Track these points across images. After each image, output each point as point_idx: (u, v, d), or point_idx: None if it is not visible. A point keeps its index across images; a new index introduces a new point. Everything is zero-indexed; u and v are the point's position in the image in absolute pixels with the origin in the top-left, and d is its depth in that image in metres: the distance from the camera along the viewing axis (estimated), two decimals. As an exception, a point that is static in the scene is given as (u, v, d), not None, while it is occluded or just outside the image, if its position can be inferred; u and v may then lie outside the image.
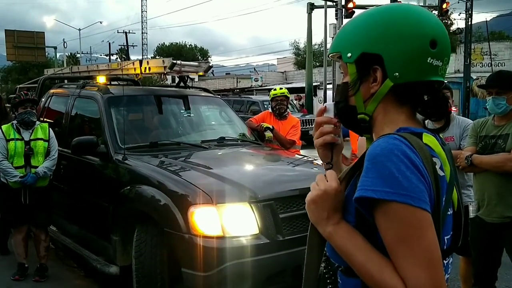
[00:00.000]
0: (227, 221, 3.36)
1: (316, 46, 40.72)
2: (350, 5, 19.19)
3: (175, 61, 5.10)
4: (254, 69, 48.13)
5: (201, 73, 5.30)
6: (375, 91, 1.18)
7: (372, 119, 1.22)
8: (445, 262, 1.15)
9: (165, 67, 5.43)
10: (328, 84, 23.87)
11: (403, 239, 1.02)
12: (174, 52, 65.43)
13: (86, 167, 4.66)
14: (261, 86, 37.94)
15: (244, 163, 4.44)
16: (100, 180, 4.48)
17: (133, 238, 3.84)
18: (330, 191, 1.16)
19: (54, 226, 5.26)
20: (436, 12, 19.10)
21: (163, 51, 67.49)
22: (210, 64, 5.84)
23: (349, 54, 1.20)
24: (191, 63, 5.59)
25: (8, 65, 49.15)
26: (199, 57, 68.15)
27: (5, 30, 37.09)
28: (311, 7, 21.52)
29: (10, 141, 4.48)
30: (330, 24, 21.68)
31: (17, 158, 4.49)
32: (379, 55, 1.15)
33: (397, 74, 1.15)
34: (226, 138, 5.02)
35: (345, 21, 19.76)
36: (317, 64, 37.17)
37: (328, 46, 26.21)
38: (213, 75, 61.32)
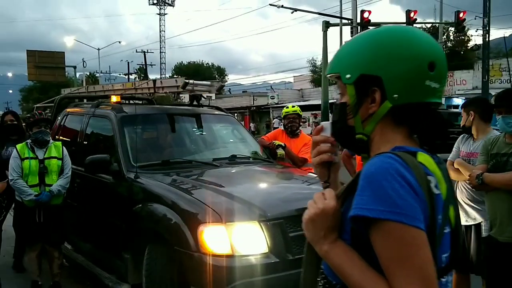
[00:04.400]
0: (236, 240, 3.35)
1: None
2: (366, 14, 19.27)
3: (187, 81, 5.17)
4: (271, 87, 48.38)
5: (212, 93, 5.33)
6: (373, 112, 1.20)
7: (370, 139, 1.23)
8: (443, 280, 1.16)
9: (178, 86, 5.50)
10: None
11: (398, 258, 1.02)
12: (191, 71, 66.18)
13: (99, 185, 4.70)
14: (277, 103, 38.06)
15: (255, 181, 4.44)
16: (112, 198, 4.52)
17: (144, 256, 3.86)
18: (328, 209, 1.16)
19: (68, 243, 5.31)
20: (453, 28, 19.10)
21: (181, 70, 68.30)
22: (222, 84, 5.88)
23: (348, 76, 1.21)
24: (204, 82, 5.65)
25: (29, 84, 50.22)
26: (216, 76, 68.83)
27: (27, 50, 37.96)
28: (327, 25, 21.65)
29: (25, 160, 4.55)
30: (345, 42, 21.71)
31: (31, 177, 4.56)
32: (379, 77, 1.17)
33: (396, 95, 1.16)
34: (237, 156, 5.02)
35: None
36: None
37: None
38: (230, 93, 61.77)
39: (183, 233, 3.48)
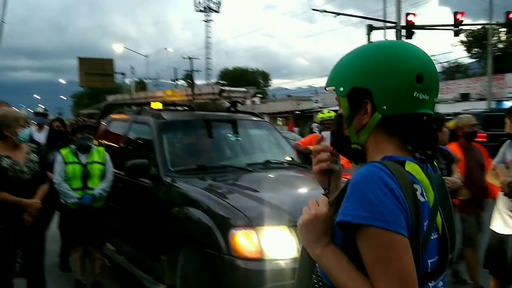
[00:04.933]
0: (266, 244, 3.42)
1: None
2: (410, 17, 18.92)
3: (223, 88, 5.30)
4: (316, 91, 48.15)
5: (247, 99, 5.43)
6: (366, 122, 1.25)
7: (365, 148, 1.29)
8: (430, 285, 1.21)
9: (214, 93, 5.64)
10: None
11: (379, 261, 1.08)
12: (236, 76, 66.80)
13: (138, 189, 4.88)
14: (321, 108, 37.88)
15: (287, 186, 4.50)
16: (150, 201, 4.68)
17: (179, 258, 3.99)
18: (320, 216, 1.24)
19: (111, 245, 5.53)
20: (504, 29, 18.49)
21: (226, 75, 69.05)
22: (257, 90, 5.98)
23: (341, 88, 1.28)
24: (239, 89, 5.77)
25: (80, 90, 52.04)
26: (260, 81, 69.16)
27: (78, 57, 39.36)
28: (370, 28, 21.41)
29: (69, 165, 4.79)
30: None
31: (75, 181, 4.79)
32: (368, 90, 1.22)
33: (384, 107, 1.21)
34: (272, 161, 5.10)
35: (405, 41, 19.50)
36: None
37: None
38: (275, 97, 61.88)
39: (215, 237, 3.58)
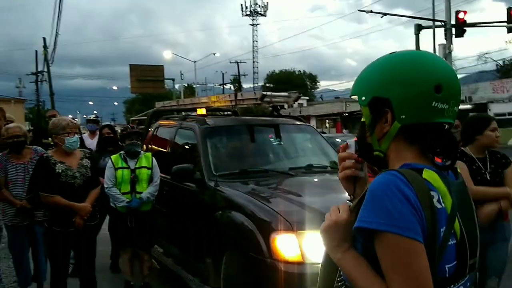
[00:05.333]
0: (307, 248, 3.45)
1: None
2: (461, 15, 18.37)
3: (265, 93, 5.37)
4: (364, 93, 47.30)
5: (289, 103, 5.48)
6: (387, 131, 1.29)
7: (386, 156, 1.32)
8: None
9: (256, 98, 5.71)
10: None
11: (395, 266, 1.12)
12: (283, 79, 66.84)
13: (184, 193, 5.02)
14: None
15: (329, 191, 4.49)
16: (195, 205, 4.80)
17: (222, 260, 4.08)
18: (340, 222, 1.29)
19: (159, 247, 5.70)
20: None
21: (273, 78, 69.25)
22: (299, 94, 6.01)
23: (363, 98, 1.32)
24: (281, 93, 5.83)
25: (132, 96, 53.51)
26: (308, 83, 68.94)
27: (130, 64, 40.53)
28: (419, 28, 20.93)
29: (118, 170, 4.99)
30: (439, 45, 20.91)
31: (124, 185, 4.99)
32: (388, 99, 1.26)
33: (403, 116, 1.24)
34: (314, 165, 5.11)
35: (455, 40, 18.95)
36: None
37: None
38: (322, 99, 61.47)
39: (257, 240, 3.64)
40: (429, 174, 1.22)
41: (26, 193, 4.58)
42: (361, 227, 1.17)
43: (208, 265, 4.41)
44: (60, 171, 4.12)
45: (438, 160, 1.31)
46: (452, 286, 1.23)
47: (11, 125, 5.04)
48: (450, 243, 1.20)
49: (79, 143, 4.34)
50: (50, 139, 6.66)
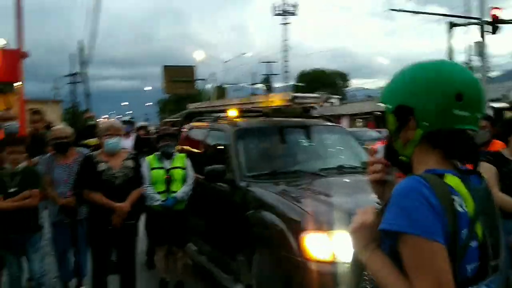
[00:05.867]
0: (337, 248, 3.52)
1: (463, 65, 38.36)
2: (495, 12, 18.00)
3: (295, 94, 5.47)
4: (396, 91, 46.56)
5: (319, 104, 5.56)
6: (411, 137, 1.37)
7: (411, 160, 1.41)
8: None
9: (287, 99, 5.83)
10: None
11: (417, 266, 1.20)
12: (314, 78, 66.45)
13: (216, 193, 5.16)
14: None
15: (359, 191, 4.53)
16: (227, 205, 4.93)
17: (254, 259, 4.19)
18: (367, 224, 1.38)
19: (193, 244, 5.86)
20: None
21: (304, 77, 68.88)
22: (329, 95, 6.08)
23: (389, 106, 1.42)
24: (311, 95, 5.92)
25: (164, 97, 54.20)
26: (339, 82, 68.35)
27: (163, 66, 41.01)
28: (451, 25, 20.59)
29: (153, 170, 5.17)
30: (474, 42, 20.52)
31: (159, 185, 5.16)
32: (411, 107, 1.35)
33: (425, 123, 1.33)
34: (345, 166, 5.16)
35: (490, 38, 18.53)
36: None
37: (473, 64, 24.59)
38: (354, 98, 60.76)
39: (288, 240, 3.73)
40: (451, 179, 1.29)
41: (73, 190, 4.81)
42: (385, 229, 1.26)
43: (240, 263, 4.52)
44: (101, 170, 4.32)
45: (468, 166, 1.39)
46: (474, 285, 1.29)
47: (57, 127, 5.31)
48: (471, 245, 1.27)
49: (120, 145, 4.50)
50: (88, 140, 6.98)
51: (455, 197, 1.25)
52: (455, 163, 1.37)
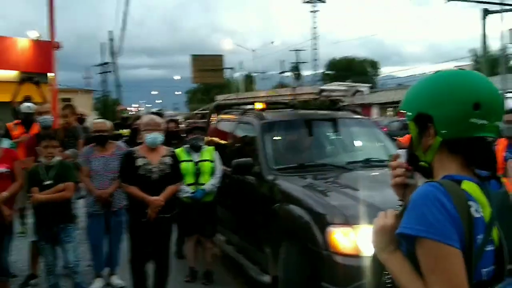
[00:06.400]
0: (362, 241, 3.56)
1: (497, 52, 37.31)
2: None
3: (322, 87, 5.48)
4: (428, 79, 45.67)
5: (348, 97, 5.56)
6: (430, 144, 1.42)
7: (431, 166, 1.45)
8: None
9: (314, 93, 5.83)
10: (508, 92, 21.82)
11: (433, 269, 1.25)
12: (344, 66, 65.77)
13: (244, 185, 5.24)
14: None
15: (386, 185, 4.50)
16: (255, 197, 5.01)
17: (280, 251, 4.26)
18: (386, 227, 1.43)
19: (221, 235, 5.98)
20: None
21: (333, 65, 68.29)
22: (358, 89, 6.05)
23: (409, 113, 1.46)
24: (339, 88, 5.89)
25: (193, 86, 54.55)
26: (369, 70, 67.47)
27: (191, 55, 41.17)
28: (485, 12, 20.04)
29: (183, 162, 5.28)
30: (509, 30, 19.96)
31: (188, 177, 5.28)
32: (430, 115, 1.39)
33: (444, 131, 1.37)
34: (372, 159, 5.16)
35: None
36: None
37: (509, 51, 23.88)
38: (384, 87, 59.97)
39: (313, 233, 3.79)
40: (468, 185, 1.33)
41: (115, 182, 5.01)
42: (402, 233, 1.31)
43: (267, 255, 4.61)
44: (139, 164, 4.45)
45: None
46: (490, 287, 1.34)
47: (98, 120, 5.55)
48: (487, 249, 1.31)
49: (159, 139, 4.61)
50: (121, 130, 7.19)
51: (472, 203, 1.30)
52: (474, 169, 1.40)
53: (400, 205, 1.53)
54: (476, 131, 1.35)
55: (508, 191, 1.45)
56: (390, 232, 1.41)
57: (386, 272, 1.47)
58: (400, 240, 1.40)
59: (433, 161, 1.44)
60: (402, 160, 1.57)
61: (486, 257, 1.31)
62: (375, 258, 1.50)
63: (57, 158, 4.50)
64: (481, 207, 1.31)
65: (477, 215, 1.29)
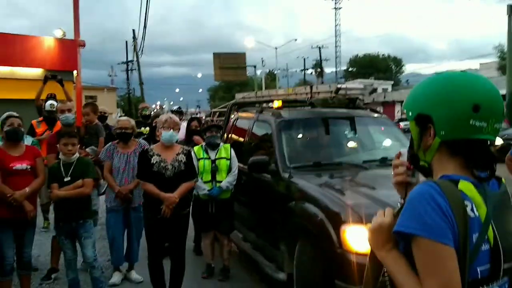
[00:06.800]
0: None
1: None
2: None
3: (339, 86, 5.46)
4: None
5: (365, 96, 5.51)
6: (430, 144, 1.44)
7: (431, 166, 1.47)
8: None
9: (331, 91, 5.82)
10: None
11: (427, 266, 1.27)
12: (366, 63, 65.21)
13: (260, 183, 5.27)
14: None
15: (402, 184, 4.52)
16: (270, 195, 5.03)
17: (295, 248, 4.28)
18: (384, 225, 1.46)
19: (238, 232, 6.02)
20: None
21: (356, 62, 67.79)
22: (375, 87, 6.01)
23: (410, 113, 1.48)
24: (356, 86, 5.90)
25: (215, 84, 54.77)
26: (392, 67, 66.73)
27: (213, 53, 41.45)
28: (511, 8, 19.61)
29: (200, 160, 5.35)
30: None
31: (205, 174, 5.34)
32: (430, 116, 1.41)
33: (443, 132, 1.39)
34: (388, 158, 5.12)
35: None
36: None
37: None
38: (408, 84, 59.32)
39: (328, 231, 3.81)
40: (464, 185, 1.35)
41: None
42: (398, 231, 1.33)
43: (282, 252, 4.63)
44: (154, 162, 4.53)
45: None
46: (485, 286, 1.35)
47: (122, 118, 5.74)
48: (483, 248, 1.33)
49: (174, 138, 4.68)
50: (142, 129, 7.30)
51: (467, 203, 1.31)
52: (473, 170, 1.41)
53: (401, 204, 1.55)
54: (475, 133, 1.37)
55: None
56: (387, 231, 1.43)
57: (385, 271, 1.49)
58: (397, 239, 1.41)
59: (433, 161, 1.46)
60: (404, 158, 1.58)
61: (482, 255, 1.33)
62: (373, 256, 1.51)
63: (76, 155, 4.59)
64: (476, 207, 1.33)
65: (472, 214, 1.31)
